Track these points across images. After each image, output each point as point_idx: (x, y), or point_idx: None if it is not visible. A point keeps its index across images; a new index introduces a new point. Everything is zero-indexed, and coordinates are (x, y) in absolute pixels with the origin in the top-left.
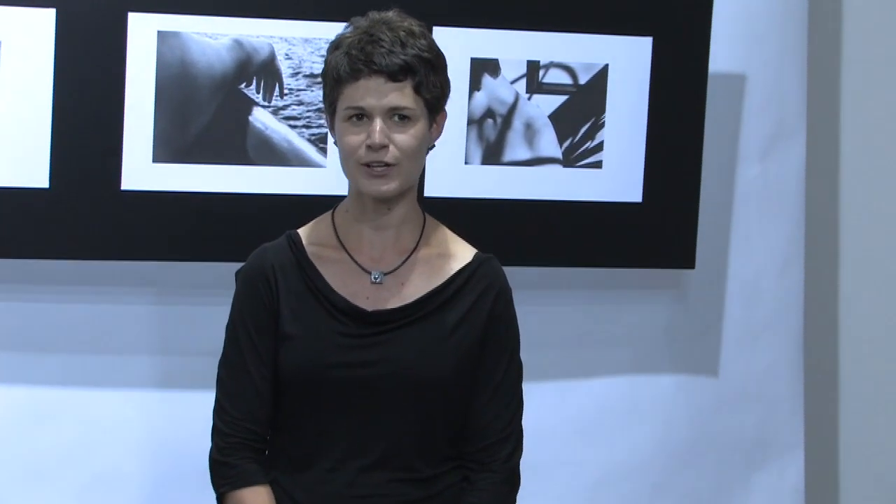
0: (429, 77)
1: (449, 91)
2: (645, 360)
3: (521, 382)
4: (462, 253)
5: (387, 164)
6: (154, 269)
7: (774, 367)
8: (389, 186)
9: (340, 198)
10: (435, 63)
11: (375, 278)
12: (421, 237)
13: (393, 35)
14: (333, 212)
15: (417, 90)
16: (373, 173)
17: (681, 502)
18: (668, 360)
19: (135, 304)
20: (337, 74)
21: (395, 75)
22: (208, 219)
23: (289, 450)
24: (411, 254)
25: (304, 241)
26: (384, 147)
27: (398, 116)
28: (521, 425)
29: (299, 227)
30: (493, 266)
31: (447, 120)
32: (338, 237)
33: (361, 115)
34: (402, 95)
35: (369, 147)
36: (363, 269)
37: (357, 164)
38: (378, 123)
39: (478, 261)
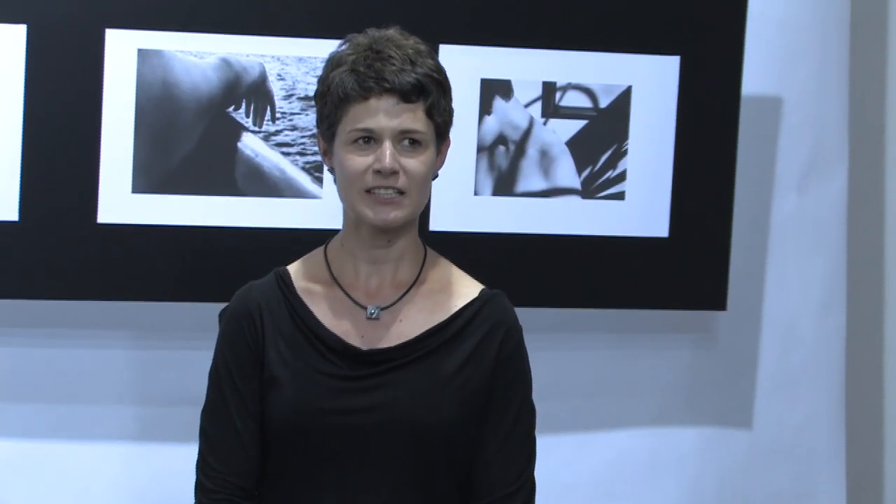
0: (439, 100)
1: (453, 117)
2: (670, 410)
3: (533, 430)
4: (467, 288)
5: (397, 191)
6: (133, 309)
7: (813, 419)
8: (398, 215)
9: (336, 232)
10: (444, 85)
11: (371, 313)
12: (421, 271)
13: (402, 53)
14: (326, 246)
15: (429, 113)
16: (379, 200)
17: None
18: (696, 410)
19: (111, 348)
20: (343, 93)
21: (407, 95)
22: (192, 255)
23: None
24: (410, 288)
25: (293, 278)
26: (394, 173)
27: (409, 141)
28: (533, 478)
29: (289, 264)
30: (502, 303)
31: (454, 147)
32: (331, 272)
33: (369, 139)
34: (414, 118)
35: (377, 172)
36: (358, 304)
37: (361, 192)
38: (388, 147)
39: (484, 297)
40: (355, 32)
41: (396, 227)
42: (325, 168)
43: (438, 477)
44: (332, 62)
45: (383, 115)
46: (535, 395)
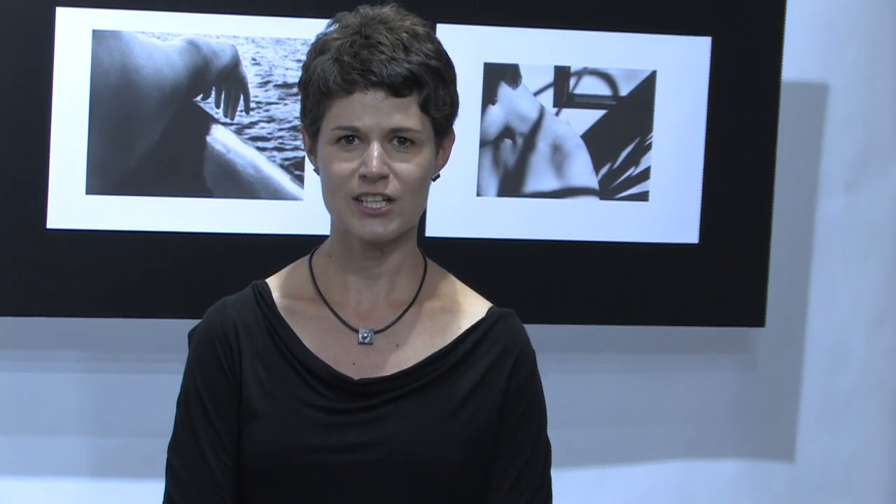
0: (437, 91)
1: (458, 108)
2: (702, 441)
3: (548, 469)
4: (473, 307)
5: (386, 199)
6: (87, 327)
7: (865, 450)
8: (388, 228)
9: (320, 238)
10: (444, 73)
11: (364, 338)
12: (421, 288)
13: (393, 37)
14: (311, 256)
15: (424, 108)
16: (367, 211)
17: None
18: (732, 440)
19: (62, 371)
20: (325, 86)
21: (398, 89)
22: (155, 265)
23: None
24: (409, 307)
25: (273, 294)
26: (383, 178)
27: (400, 140)
28: None
29: (268, 277)
30: (512, 323)
31: (455, 142)
32: (317, 288)
33: (353, 138)
34: (406, 115)
35: (364, 177)
36: (349, 326)
37: (346, 199)
38: (376, 148)
39: (493, 317)
40: (346, 11)
41: (389, 240)
42: (312, 167)
43: None
44: (317, 47)
45: (370, 112)
46: (549, 424)
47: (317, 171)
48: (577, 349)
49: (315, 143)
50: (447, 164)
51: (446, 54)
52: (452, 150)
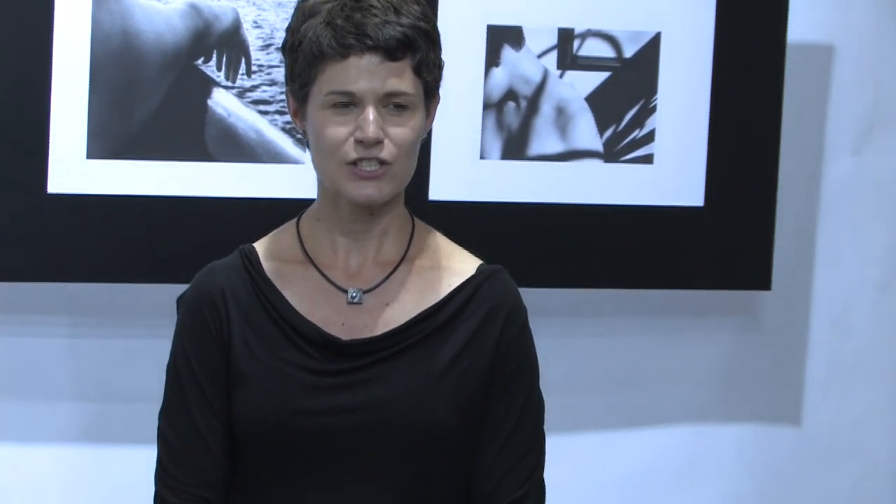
0: (429, 54)
1: (443, 71)
2: (707, 405)
3: (541, 426)
4: (462, 265)
5: (381, 162)
6: (83, 291)
7: (871, 414)
8: (382, 191)
9: (313, 202)
10: (433, 35)
11: (353, 297)
12: (409, 246)
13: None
14: (298, 220)
15: (418, 71)
16: (361, 174)
17: None
18: (737, 405)
19: (56, 336)
20: (318, 50)
21: (393, 52)
22: (156, 229)
23: None
24: (397, 267)
25: (261, 257)
26: (378, 143)
27: (394, 105)
28: (542, 481)
29: (255, 241)
30: (502, 280)
31: (457, 105)
32: (304, 250)
33: (348, 103)
34: (401, 78)
35: (359, 142)
36: (337, 287)
37: (340, 164)
38: (371, 113)
39: (483, 274)
40: None
41: (383, 203)
42: (299, 131)
43: (433, 485)
44: (304, 9)
45: (365, 76)
46: (552, 389)
47: (303, 133)
48: (582, 313)
49: (303, 107)
50: (447, 127)
51: (432, 16)
52: (456, 114)
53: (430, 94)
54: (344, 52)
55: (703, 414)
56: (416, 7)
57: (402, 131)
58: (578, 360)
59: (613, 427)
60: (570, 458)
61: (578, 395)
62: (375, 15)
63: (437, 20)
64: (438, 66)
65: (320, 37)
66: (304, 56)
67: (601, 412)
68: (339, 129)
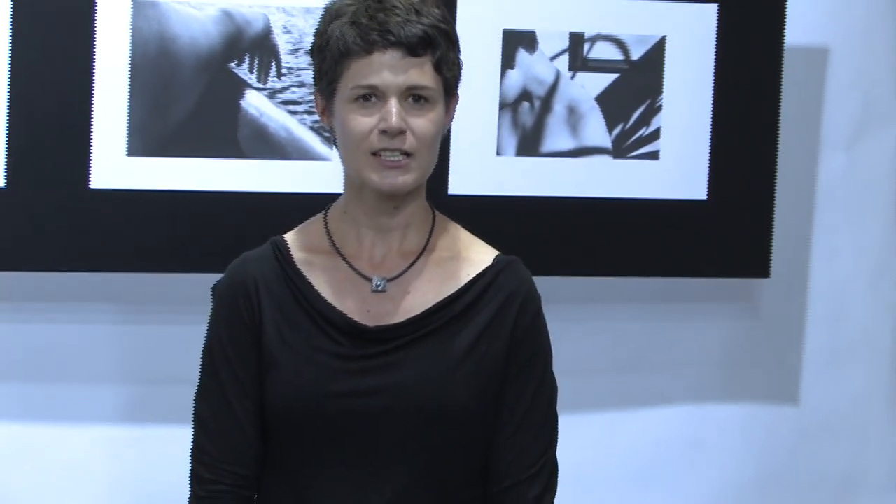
0: (448, 52)
1: (461, 71)
2: (709, 387)
3: (554, 407)
4: (480, 255)
5: (404, 153)
6: (125, 281)
7: (866, 395)
8: (406, 179)
9: (339, 196)
10: (452, 37)
11: (377, 286)
12: (430, 238)
13: (406, 1)
14: (326, 212)
15: (437, 67)
16: (386, 164)
17: None
18: (737, 387)
19: (102, 323)
20: (344, 47)
21: (414, 49)
22: (192, 222)
23: (279, 498)
24: (419, 257)
25: (291, 248)
26: (401, 133)
27: (415, 98)
28: (554, 459)
29: (286, 232)
30: (518, 270)
31: (474, 104)
32: (332, 241)
33: (371, 96)
34: (421, 73)
35: (383, 132)
36: (362, 276)
37: (366, 154)
38: (394, 105)
39: (499, 264)
40: None
41: (404, 193)
42: (326, 128)
43: (452, 462)
44: (330, 13)
45: (388, 70)
46: (562, 372)
47: (330, 130)
48: (592, 300)
49: (331, 103)
50: (465, 125)
51: (451, 20)
52: (473, 113)
53: (450, 91)
54: (368, 48)
55: (706, 395)
56: (435, 10)
57: (423, 123)
58: (588, 344)
59: (621, 407)
60: (579, 437)
61: (588, 377)
62: (398, 14)
63: (455, 24)
64: (457, 65)
65: (346, 35)
66: (331, 54)
67: (609, 393)
68: (364, 121)
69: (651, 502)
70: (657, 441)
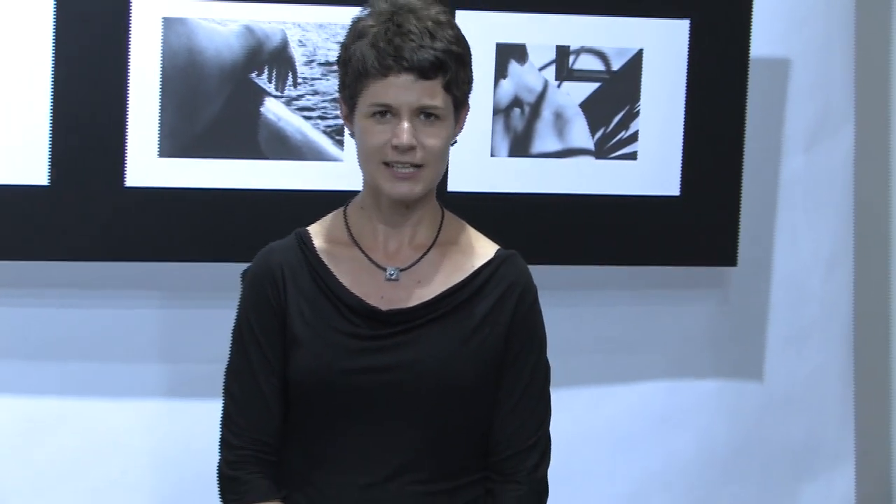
0: (458, 73)
1: (472, 83)
2: (684, 364)
3: (548, 386)
4: (483, 249)
5: (414, 166)
6: (159, 270)
7: (823, 371)
8: (414, 190)
9: (358, 193)
10: (464, 57)
11: (391, 275)
12: (439, 233)
13: (421, 25)
14: (346, 208)
15: (447, 88)
16: (397, 175)
17: None
18: (709, 363)
19: (138, 307)
20: (363, 68)
21: (425, 73)
22: (217, 216)
23: (299, 463)
24: (429, 250)
25: (313, 239)
26: (411, 148)
27: (426, 115)
28: (548, 433)
29: (309, 225)
30: (517, 263)
31: (470, 110)
32: (350, 233)
33: (386, 113)
34: (432, 94)
35: (395, 147)
36: (378, 266)
37: (379, 165)
38: (406, 123)
39: (500, 257)
40: None
41: (413, 200)
42: (348, 132)
43: (455, 433)
44: (356, 30)
45: (401, 91)
46: (553, 351)
47: (352, 134)
48: (576, 286)
49: (352, 113)
50: (466, 128)
51: (464, 38)
52: (469, 118)
53: (459, 106)
54: (384, 71)
55: (680, 372)
56: (450, 32)
57: (432, 139)
58: (572, 326)
59: (603, 382)
60: (566, 410)
61: (572, 356)
62: (413, 40)
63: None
64: (468, 81)
65: (366, 57)
66: (352, 72)
67: (592, 370)
68: (379, 136)
69: (630, 468)
70: (636, 413)
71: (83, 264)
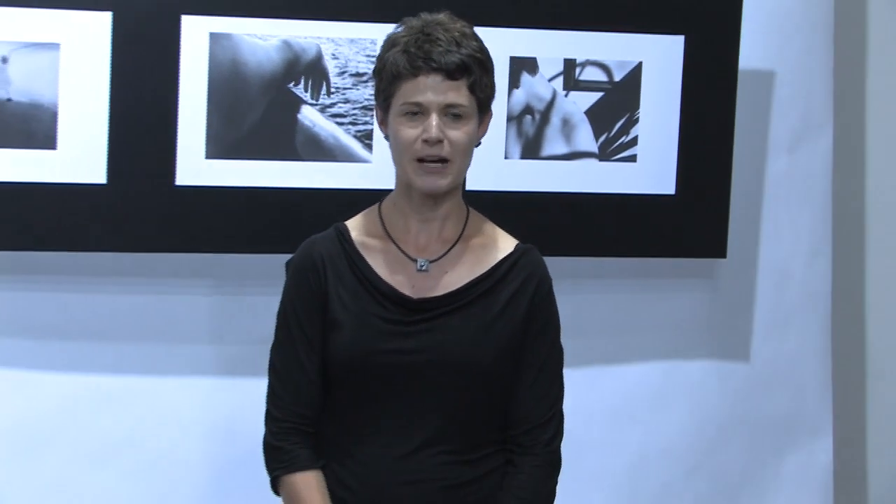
0: (482, 77)
1: (495, 92)
2: (678, 346)
3: (562, 368)
4: (504, 243)
5: (441, 160)
6: (208, 260)
7: (804, 352)
8: (443, 182)
9: (385, 191)
10: (486, 64)
11: (421, 266)
12: (464, 228)
13: (448, 35)
14: (380, 204)
15: (472, 89)
16: (427, 169)
17: (713, 483)
18: (701, 345)
19: (189, 294)
20: (396, 71)
21: (452, 73)
22: (259, 212)
23: (337, 436)
24: (455, 243)
25: (351, 233)
26: (440, 142)
27: (453, 114)
28: (562, 410)
29: (346, 220)
30: (534, 256)
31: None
32: (384, 228)
33: (417, 112)
34: (458, 93)
35: (425, 141)
36: (409, 257)
37: (411, 160)
38: (434, 119)
39: (519, 251)
40: (409, 16)
41: (444, 192)
42: (383, 135)
43: (480, 411)
44: (388, 42)
45: (431, 90)
46: (561, 333)
47: (387, 137)
48: (581, 276)
49: (386, 116)
50: (485, 136)
51: (487, 50)
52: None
53: (483, 109)
54: (415, 72)
55: (673, 353)
56: (474, 42)
57: (458, 134)
58: (577, 311)
59: (603, 363)
60: (571, 388)
61: (577, 339)
62: (440, 45)
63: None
64: (490, 87)
65: (398, 61)
66: (386, 76)
67: (594, 352)
68: (410, 132)
69: (629, 441)
70: (634, 390)
71: (137, 255)
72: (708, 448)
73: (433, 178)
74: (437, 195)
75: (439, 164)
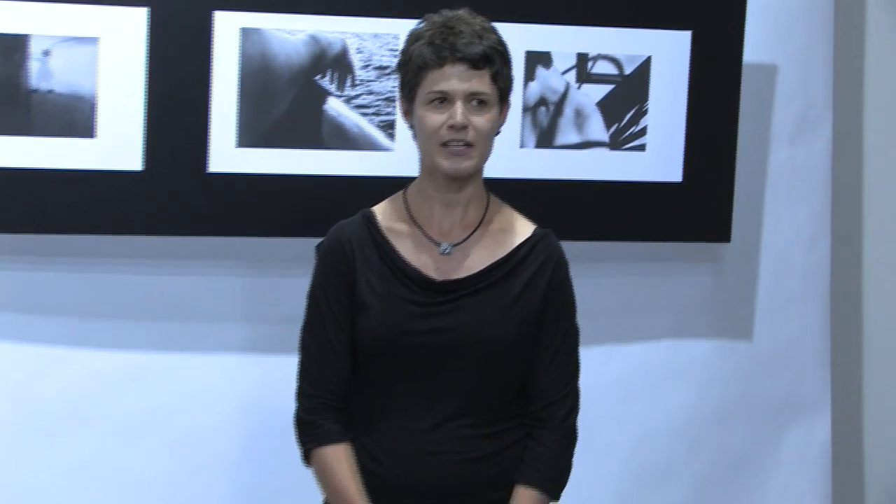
0: (502, 68)
1: (513, 84)
2: (684, 326)
3: (577, 347)
4: (523, 228)
5: (466, 144)
6: (238, 243)
7: (803, 333)
8: (467, 164)
9: (407, 179)
10: (506, 56)
11: (444, 250)
12: (485, 214)
13: (470, 28)
14: (405, 191)
15: (494, 79)
16: (452, 152)
17: (716, 458)
18: (706, 326)
19: (222, 275)
20: (422, 62)
21: (476, 63)
22: (286, 198)
23: (365, 412)
24: (476, 228)
25: (378, 218)
26: (465, 127)
27: (477, 101)
28: (578, 387)
29: (373, 206)
30: (552, 240)
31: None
32: (409, 213)
33: (443, 99)
34: (481, 82)
35: (451, 127)
36: (433, 241)
37: (437, 145)
38: (459, 106)
39: (537, 235)
40: (431, 13)
41: (466, 175)
42: (407, 125)
43: (497, 385)
44: (412, 37)
45: (456, 79)
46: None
47: (411, 128)
48: (592, 259)
49: (411, 107)
50: (504, 125)
51: (506, 44)
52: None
53: (503, 98)
54: (441, 62)
55: (680, 333)
56: (494, 36)
57: (481, 120)
58: (588, 293)
59: (614, 342)
60: (581, 366)
61: (588, 319)
62: (464, 37)
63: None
64: (509, 78)
65: (424, 53)
66: (412, 68)
67: (605, 331)
68: (436, 118)
69: (637, 417)
70: (642, 369)
71: (171, 238)
72: (711, 424)
73: (458, 161)
74: (461, 178)
75: (464, 147)
